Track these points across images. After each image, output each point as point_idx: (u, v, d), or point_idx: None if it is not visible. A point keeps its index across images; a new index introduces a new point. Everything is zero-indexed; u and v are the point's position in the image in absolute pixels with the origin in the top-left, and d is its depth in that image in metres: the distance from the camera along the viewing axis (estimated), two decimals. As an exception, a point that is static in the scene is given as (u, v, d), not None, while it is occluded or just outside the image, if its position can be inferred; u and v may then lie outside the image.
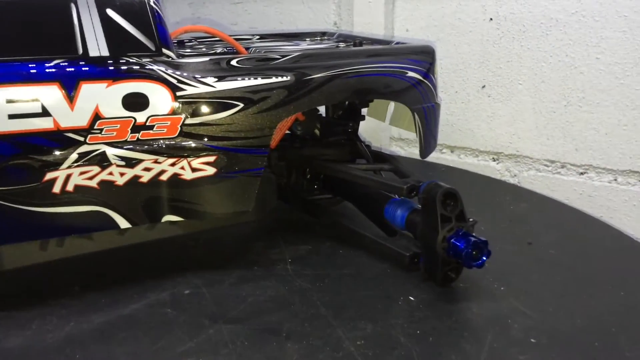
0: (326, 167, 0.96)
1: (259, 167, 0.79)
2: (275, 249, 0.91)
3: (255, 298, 0.77)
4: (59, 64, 0.71)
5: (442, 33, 1.39)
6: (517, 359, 0.65)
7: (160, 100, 0.74)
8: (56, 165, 0.70)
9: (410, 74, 0.91)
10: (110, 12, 0.74)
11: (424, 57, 0.95)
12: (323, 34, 1.21)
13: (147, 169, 0.75)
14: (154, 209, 0.76)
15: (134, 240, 0.80)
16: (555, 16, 1.23)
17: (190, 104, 0.76)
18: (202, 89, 0.76)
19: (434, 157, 1.38)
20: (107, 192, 0.73)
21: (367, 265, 0.86)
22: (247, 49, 0.94)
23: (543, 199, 1.19)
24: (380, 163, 0.98)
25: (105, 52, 0.73)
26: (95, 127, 0.72)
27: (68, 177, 0.71)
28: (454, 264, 0.77)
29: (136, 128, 0.74)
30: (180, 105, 0.75)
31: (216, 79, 0.77)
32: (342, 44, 1.06)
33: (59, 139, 0.70)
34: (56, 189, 0.71)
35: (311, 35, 1.21)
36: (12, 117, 0.68)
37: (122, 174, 0.74)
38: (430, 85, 0.95)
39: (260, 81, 0.79)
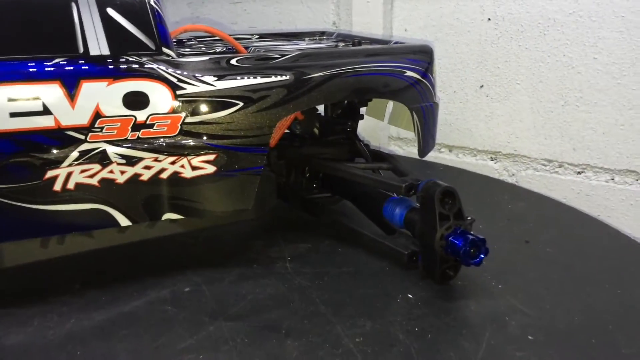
0: (325, 165, 0.97)
1: (258, 166, 0.80)
2: (274, 247, 0.91)
3: (254, 296, 0.77)
4: (60, 62, 0.71)
5: (441, 33, 1.40)
6: (515, 355, 0.65)
7: (160, 99, 0.75)
8: (57, 163, 0.71)
9: (409, 73, 0.92)
10: (110, 11, 0.74)
11: (423, 56, 0.95)
12: (322, 33, 1.22)
13: (148, 167, 0.75)
14: (154, 207, 0.77)
15: (134, 238, 0.80)
16: (552, 16, 1.23)
17: (190, 103, 0.76)
18: (202, 87, 0.77)
19: (432, 156, 1.39)
20: (107, 190, 0.74)
21: (366, 263, 0.87)
22: (246, 48, 0.95)
23: (541, 198, 1.20)
24: (379, 162, 0.99)
25: (105, 51, 0.74)
26: (96, 125, 0.72)
27: (69, 175, 0.71)
28: (452, 261, 0.78)
29: (136, 126, 0.74)
30: (180, 104, 0.76)
31: (216, 78, 0.78)
32: (341, 44, 1.07)
33: (60, 137, 0.71)
34: (57, 186, 0.71)
35: (310, 34, 1.21)
36: (13, 115, 0.68)
37: (122, 172, 0.74)
38: (428, 84, 0.95)
39: (259, 80, 0.79)
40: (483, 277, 0.81)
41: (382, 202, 0.88)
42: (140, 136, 0.74)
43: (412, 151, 1.50)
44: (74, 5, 0.73)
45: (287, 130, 0.95)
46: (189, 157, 0.76)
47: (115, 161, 0.73)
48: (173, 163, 0.76)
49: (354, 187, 0.97)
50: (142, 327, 0.71)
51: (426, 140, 0.97)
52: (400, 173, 0.91)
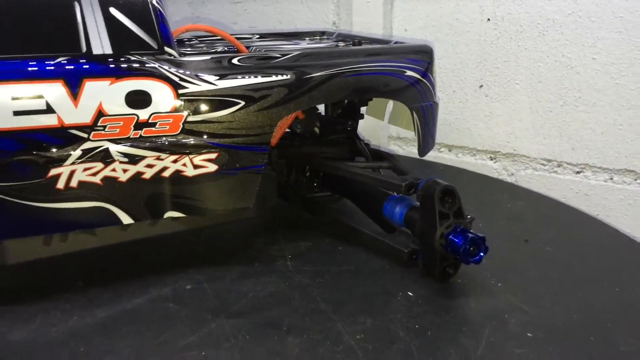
0: (326, 164, 0.97)
1: (259, 165, 0.80)
2: (275, 246, 0.92)
3: (256, 293, 0.78)
4: (63, 61, 0.72)
5: (440, 33, 1.40)
6: (514, 352, 0.66)
7: (162, 97, 0.75)
8: (60, 161, 0.71)
9: (409, 73, 0.92)
10: (113, 11, 0.75)
11: (422, 56, 0.96)
12: (322, 33, 1.22)
13: (150, 166, 0.75)
14: (156, 205, 0.77)
15: (136, 235, 0.81)
16: (551, 17, 1.24)
17: (192, 102, 0.77)
18: (204, 87, 0.77)
19: (432, 156, 1.40)
20: (110, 188, 0.74)
21: (366, 261, 0.87)
22: (247, 48, 0.95)
23: (540, 197, 1.21)
24: (379, 161, 0.99)
25: (108, 50, 0.74)
26: (99, 124, 0.72)
27: (72, 173, 0.72)
28: (452, 260, 0.78)
29: (139, 125, 0.74)
30: (182, 102, 0.76)
31: (218, 77, 0.78)
32: (341, 44, 1.07)
33: (63, 135, 0.71)
34: (60, 184, 0.72)
35: (310, 34, 1.22)
36: (17, 113, 0.69)
37: (125, 171, 0.74)
38: (428, 84, 0.95)
39: (260, 79, 0.80)
40: (483, 275, 0.82)
41: (382, 200, 0.88)
42: (142, 135, 0.75)
43: (412, 151, 1.50)
44: (76, 4, 0.73)
45: (287, 130, 0.95)
46: (191, 156, 0.77)
47: (118, 159, 0.74)
48: (175, 161, 0.76)
49: (354, 186, 0.97)
50: (145, 324, 0.71)
51: (426, 140, 0.97)
52: (400, 172, 0.91)
